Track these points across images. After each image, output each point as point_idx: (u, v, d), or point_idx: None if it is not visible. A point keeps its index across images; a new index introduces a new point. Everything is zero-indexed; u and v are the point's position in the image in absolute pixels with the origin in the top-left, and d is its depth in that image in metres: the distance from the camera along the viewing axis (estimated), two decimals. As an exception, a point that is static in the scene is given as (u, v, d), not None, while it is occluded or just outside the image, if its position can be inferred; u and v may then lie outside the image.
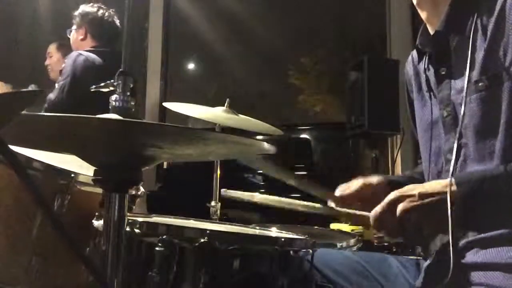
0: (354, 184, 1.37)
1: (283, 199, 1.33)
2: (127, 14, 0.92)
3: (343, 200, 1.34)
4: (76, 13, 3.28)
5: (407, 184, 1.15)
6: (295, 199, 1.31)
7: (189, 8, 5.40)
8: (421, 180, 1.38)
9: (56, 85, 3.05)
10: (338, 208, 1.28)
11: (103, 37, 3.21)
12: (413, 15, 3.73)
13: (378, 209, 1.12)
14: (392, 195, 1.11)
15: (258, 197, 1.36)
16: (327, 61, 6.21)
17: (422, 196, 1.08)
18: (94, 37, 3.21)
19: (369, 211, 1.15)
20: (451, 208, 1.03)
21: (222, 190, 1.47)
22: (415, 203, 1.07)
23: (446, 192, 1.05)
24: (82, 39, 3.23)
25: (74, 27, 3.27)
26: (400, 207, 1.08)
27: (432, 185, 1.11)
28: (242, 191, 1.37)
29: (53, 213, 0.89)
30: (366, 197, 1.34)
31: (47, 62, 3.74)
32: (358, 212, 1.21)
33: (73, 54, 3.08)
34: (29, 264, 1.43)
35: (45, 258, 1.44)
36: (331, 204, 1.34)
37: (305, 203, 1.30)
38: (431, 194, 1.08)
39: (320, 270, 1.28)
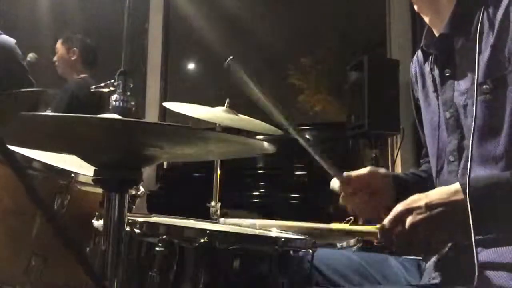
0: (362, 170, 1.36)
1: (285, 222, 1.33)
2: (127, 14, 0.92)
3: (349, 182, 1.33)
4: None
5: (412, 183, 1.12)
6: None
7: (189, 8, 5.40)
8: (425, 178, 1.37)
9: None
10: (343, 227, 1.28)
11: None
12: (413, 15, 3.74)
13: (385, 223, 1.09)
14: (399, 208, 1.08)
15: (259, 223, 1.37)
16: (327, 61, 6.21)
17: (429, 207, 1.04)
18: None
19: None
20: (465, 214, 1.00)
21: (221, 219, 1.48)
22: (423, 216, 1.04)
23: (453, 201, 1.03)
24: None
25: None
26: (408, 221, 1.05)
27: (438, 194, 1.07)
28: (241, 218, 1.39)
29: (52, 214, 0.89)
30: (372, 185, 1.34)
31: (54, 59, 3.75)
32: (365, 229, 1.20)
33: None
34: (29, 264, 1.43)
35: (45, 258, 1.44)
36: (336, 184, 1.34)
37: (310, 225, 1.30)
38: (438, 205, 1.05)
39: (320, 270, 1.27)
